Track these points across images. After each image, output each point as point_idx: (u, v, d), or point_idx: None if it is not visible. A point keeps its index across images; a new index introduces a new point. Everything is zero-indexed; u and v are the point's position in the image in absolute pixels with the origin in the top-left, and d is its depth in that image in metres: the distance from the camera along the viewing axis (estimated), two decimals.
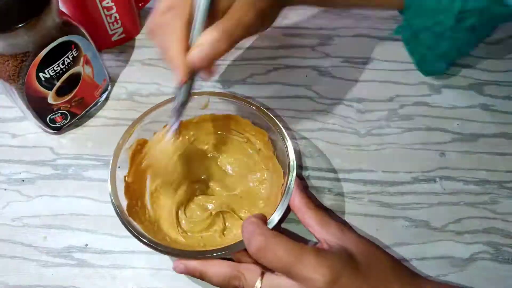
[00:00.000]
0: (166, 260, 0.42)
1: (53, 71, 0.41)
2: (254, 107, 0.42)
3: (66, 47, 0.41)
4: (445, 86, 0.52)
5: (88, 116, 0.50)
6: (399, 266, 0.37)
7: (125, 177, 0.40)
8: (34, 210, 0.44)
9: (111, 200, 0.38)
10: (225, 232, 0.42)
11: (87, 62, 0.44)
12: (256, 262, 0.35)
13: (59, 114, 0.46)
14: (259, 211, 0.40)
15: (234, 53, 0.55)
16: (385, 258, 0.36)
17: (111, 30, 0.52)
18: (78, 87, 0.44)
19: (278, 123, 0.41)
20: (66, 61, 0.42)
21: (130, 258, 0.42)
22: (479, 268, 0.41)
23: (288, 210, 0.38)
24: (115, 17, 0.51)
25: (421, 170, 0.46)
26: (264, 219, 0.36)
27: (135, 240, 0.42)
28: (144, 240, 0.36)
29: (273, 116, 0.42)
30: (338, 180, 0.46)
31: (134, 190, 0.41)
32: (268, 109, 0.46)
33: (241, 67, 0.54)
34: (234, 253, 0.36)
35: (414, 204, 0.44)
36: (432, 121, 0.50)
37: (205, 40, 0.32)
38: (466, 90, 0.52)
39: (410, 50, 0.53)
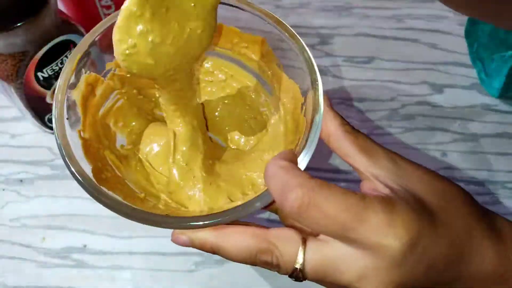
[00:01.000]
0: (165, 261, 0.41)
1: (51, 70, 0.41)
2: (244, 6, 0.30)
3: (64, 46, 0.41)
4: (447, 85, 0.52)
5: None
6: (472, 201, 0.28)
7: (79, 131, 0.30)
8: (32, 211, 0.44)
9: (68, 167, 0.27)
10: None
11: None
12: (292, 226, 0.26)
13: None
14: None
15: None
16: (458, 193, 0.27)
17: None
18: None
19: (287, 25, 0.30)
20: (65, 60, 0.41)
21: (129, 259, 0.41)
22: None
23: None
24: None
25: None
26: (295, 160, 0.26)
27: (134, 240, 0.42)
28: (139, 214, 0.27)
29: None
30: (338, 180, 0.46)
31: (96, 149, 0.31)
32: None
33: None
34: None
35: None
36: (433, 121, 0.49)
37: None
38: (467, 89, 0.51)
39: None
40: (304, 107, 0.28)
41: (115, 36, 0.25)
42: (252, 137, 0.35)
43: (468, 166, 0.46)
